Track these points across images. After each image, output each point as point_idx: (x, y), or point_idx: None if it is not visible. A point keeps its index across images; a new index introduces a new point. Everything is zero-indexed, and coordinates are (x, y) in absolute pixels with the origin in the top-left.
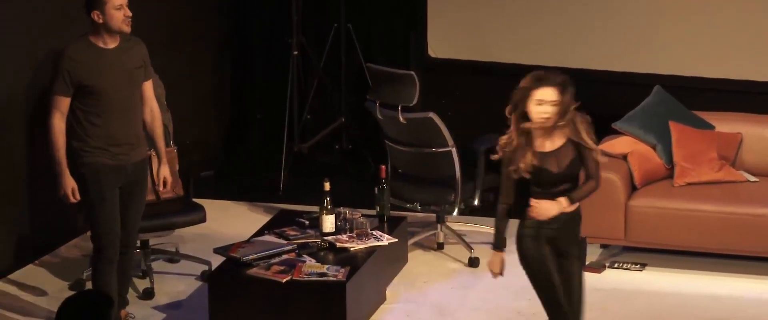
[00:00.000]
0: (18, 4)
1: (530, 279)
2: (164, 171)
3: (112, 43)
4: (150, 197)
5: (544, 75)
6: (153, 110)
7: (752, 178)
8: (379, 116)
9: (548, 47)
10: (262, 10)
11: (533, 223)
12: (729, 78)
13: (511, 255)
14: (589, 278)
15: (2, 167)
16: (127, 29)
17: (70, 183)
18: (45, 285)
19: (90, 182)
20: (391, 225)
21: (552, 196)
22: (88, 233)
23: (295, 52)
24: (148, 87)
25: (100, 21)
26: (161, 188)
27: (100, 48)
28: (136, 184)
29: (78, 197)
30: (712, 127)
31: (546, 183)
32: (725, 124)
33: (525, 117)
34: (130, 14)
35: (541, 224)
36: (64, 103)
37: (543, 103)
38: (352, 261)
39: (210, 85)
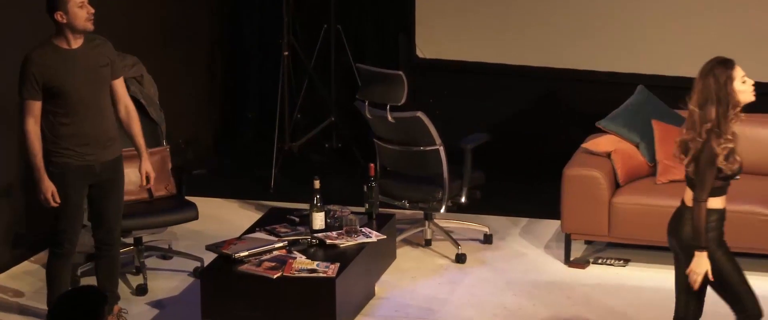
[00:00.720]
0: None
1: (722, 273)
2: (146, 167)
3: (76, 44)
4: (143, 195)
5: (722, 57)
6: (127, 106)
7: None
8: (368, 115)
9: (534, 48)
10: (253, 11)
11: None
12: None
13: (497, 252)
14: (574, 273)
15: (5, 154)
16: (90, 27)
17: (49, 187)
18: (41, 281)
19: (56, 181)
20: (380, 222)
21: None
22: (83, 229)
23: (286, 53)
24: (119, 84)
25: (64, 21)
26: (144, 183)
27: (65, 49)
28: (109, 183)
29: (58, 200)
30: None
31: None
32: None
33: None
34: (92, 11)
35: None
36: (35, 107)
37: (746, 78)
38: (341, 258)
39: (202, 85)
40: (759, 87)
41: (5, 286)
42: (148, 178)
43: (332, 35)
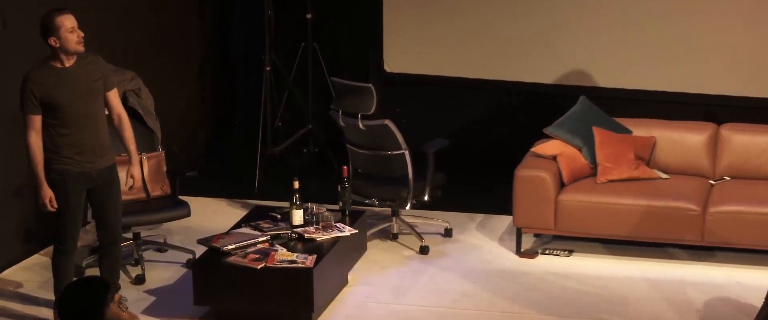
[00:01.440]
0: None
1: None
2: (134, 171)
3: (69, 63)
4: (141, 195)
5: None
6: (120, 115)
7: (664, 176)
8: (342, 123)
9: (488, 63)
10: (239, 30)
11: None
12: (644, 89)
13: (457, 244)
14: (523, 263)
15: (10, 167)
16: (81, 49)
17: (48, 194)
18: (48, 272)
19: (57, 186)
20: (353, 219)
21: None
22: (87, 226)
23: (268, 68)
24: (113, 95)
25: (57, 45)
26: (128, 185)
27: (59, 68)
28: (107, 188)
29: (56, 205)
30: (629, 132)
31: None
32: (641, 128)
33: None
34: (82, 35)
35: None
36: (36, 121)
37: None
38: (318, 250)
39: (194, 96)
40: (683, 97)
41: (17, 277)
42: (133, 181)
43: (309, 52)
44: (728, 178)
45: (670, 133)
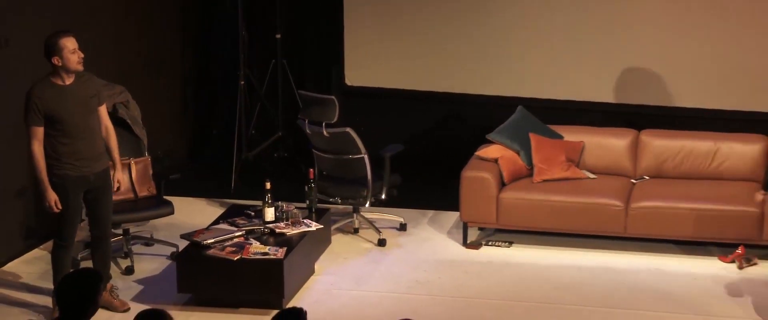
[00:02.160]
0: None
1: None
2: (119, 175)
3: (69, 80)
4: (129, 195)
5: None
6: (107, 127)
7: (592, 175)
8: (308, 131)
9: (438, 77)
10: (216, 48)
11: None
12: (574, 99)
13: (410, 237)
14: (470, 253)
15: (12, 171)
16: (80, 68)
17: (52, 196)
18: (47, 265)
19: (58, 189)
20: (318, 215)
21: None
22: (81, 223)
23: (242, 82)
24: (103, 110)
25: (59, 64)
26: (115, 189)
27: (60, 85)
28: (101, 189)
29: (60, 207)
30: (561, 137)
31: None
32: (571, 134)
33: None
34: (82, 55)
35: None
36: (39, 132)
37: None
38: (288, 243)
39: (177, 107)
40: (608, 106)
41: (19, 269)
42: (119, 185)
43: (279, 68)
44: (647, 178)
45: (596, 138)
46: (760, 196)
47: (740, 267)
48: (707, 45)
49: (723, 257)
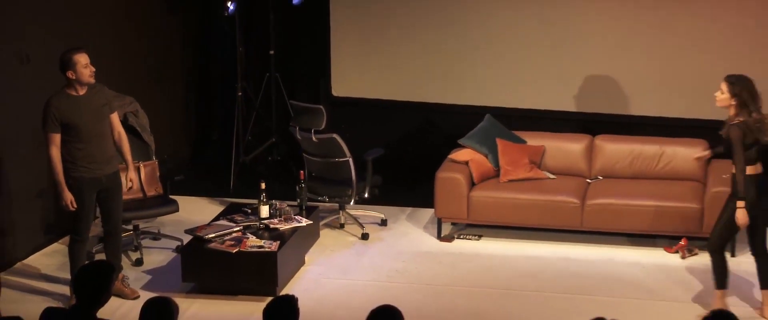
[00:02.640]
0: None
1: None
2: (131, 175)
3: (82, 91)
4: (139, 195)
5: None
6: (120, 133)
7: (552, 176)
8: (299, 137)
9: (413, 87)
10: (216, 63)
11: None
12: (536, 108)
13: (390, 231)
14: (444, 245)
15: (33, 174)
16: (92, 81)
17: (68, 196)
18: (65, 257)
19: (74, 190)
20: (308, 212)
21: None
22: (95, 220)
23: (240, 93)
24: (114, 118)
25: (73, 77)
26: (127, 188)
27: (74, 96)
28: (112, 190)
29: (75, 206)
30: (524, 142)
31: None
32: (534, 139)
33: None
34: (93, 69)
35: None
36: (56, 138)
37: None
38: (281, 237)
39: (181, 116)
40: (566, 114)
41: (40, 261)
42: (132, 184)
43: (272, 81)
44: (601, 178)
45: (555, 142)
46: (705, 154)
47: (683, 257)
48: (654, 59)
49: (668, 248)
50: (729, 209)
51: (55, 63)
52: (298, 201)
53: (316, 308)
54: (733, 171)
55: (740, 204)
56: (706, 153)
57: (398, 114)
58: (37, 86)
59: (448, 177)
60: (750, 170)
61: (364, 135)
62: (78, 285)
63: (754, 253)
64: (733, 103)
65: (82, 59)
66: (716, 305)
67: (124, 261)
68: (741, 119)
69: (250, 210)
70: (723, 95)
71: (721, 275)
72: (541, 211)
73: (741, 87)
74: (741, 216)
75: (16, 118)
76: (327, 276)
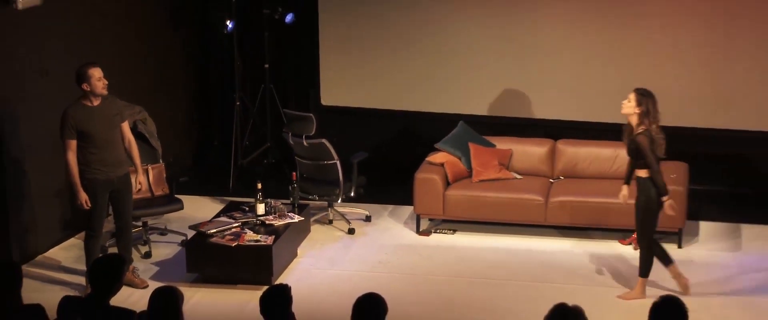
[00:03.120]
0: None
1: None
2: (140, 178)
3: (96, 102)
4: (147, 194)
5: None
6: (130, 140)
7: (518, 176)
8: (291, 142)
9: (394, 97)
10: (216, 75)
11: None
12: (504, 115)
13: (374, 227)
14: (422, 239)
15: (51, 176)
16: (105, 92)
17: (84, 196)
18: (80, 251)
19: (88, 190)
20: (300, 209)
21: None
22: (108, 217)
23: (238, 102)
24: (125, 126)
25: (88, 89)
26: (136, 189)
27: (89, 106)
28: (123, 190)
29: (90, 204)
30: (493, 146)
31: None
32: (502, 143)
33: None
34: (106, 82)
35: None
36: (72, 144)
37: None
38: (275, 232)
39: (184, 123)
40: (530, 120)
41: (58, 254)
42: (141, 186)
43: (267, 91)
44: (563, 178)
45: (521, 146)
46: (668, 207)
47: (635, 248)
48: (610, 70)
49: (622, 240)
50: (641, 208)
51: (71, 76)
52: (291, 199)
53: (308, 295)
54: (648, 174)
55: (666, 199)
56: (627, 197)
57: (381, 121)
58: (55, 97)
59: (425, 178)
60: (645, 173)
61: (350, 140)
62: (93, 276)
63: (642, 245)
64: (637, 112)
65: (96, 73)
66: (674, 279)
67: (135, 254)
68: (644, 128)
69: (247, 208)
70: (630, 104)
71: (662, 255)
72: (508, 208)
73: (647, 99)
74: (668, 207)
75: (37, 125)
76: (317, 266)
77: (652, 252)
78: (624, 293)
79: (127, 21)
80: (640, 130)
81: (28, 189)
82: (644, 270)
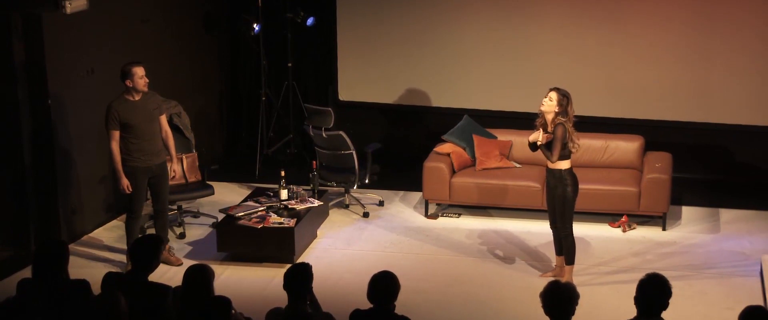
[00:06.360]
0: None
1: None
2: (175, 166)
3: (138, 97)
4: (182, 181)
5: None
6: (167, 132)
7: (518, 165)
8: (311, 133)
9: (405, 93)
10: (244, 73)
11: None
12: (505, 110)
13: (387, 211)
14: (430, 222)
15: (97, 164)
16: (146, 89)
17: (125, 182)
18: (122, 231)
19: (130, 177)
20: (319, 195)
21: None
22: (147, 201)
23: (263, 98)
24: (163, 119)
25: (131, 85)
26: (171, 176)
27: (131, 101)
28: (161, 176)
29: (131, 189)
30: (495, 137)
31: None
32: (503, 135)
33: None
34: (147, 80)
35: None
36: (116, 135)
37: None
38: (297, 215)
39: (215, 116)
40: (528, 114)
41: (102, 235)
42: (175, 173)
43: (290, 88)
44: None
45: (521, 138)
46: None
47: (624, 231)
48: (600, 69)
49: (612, 223)
50: (560, 199)
51: (114, 75)
52: (311, 185)
53: (326, 272)
54: (569, 165)
55: (541, 139)
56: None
57: (393, 114)
58: (100, 93)
59: (433, 166)
60: (566, 165)
61: (365, 131)
62: (133, 254)
63: (564, 234)
64: (557, 110)
65: (138, 71)
66: (567, 278)
67: (170, 235)
68: (563, 119)
69: (272, 194)
70: (551, 102)
71: (565, 246)
72: (509, 194)
73: (566, 98)
74: (542, 137)
75: (83, 119)
76: (335, 246)
77: (573, 240)
78: (548, 273)
79: (164, 25)
80: (560, 121)
81: (75, 175)
82: (570, 258)
